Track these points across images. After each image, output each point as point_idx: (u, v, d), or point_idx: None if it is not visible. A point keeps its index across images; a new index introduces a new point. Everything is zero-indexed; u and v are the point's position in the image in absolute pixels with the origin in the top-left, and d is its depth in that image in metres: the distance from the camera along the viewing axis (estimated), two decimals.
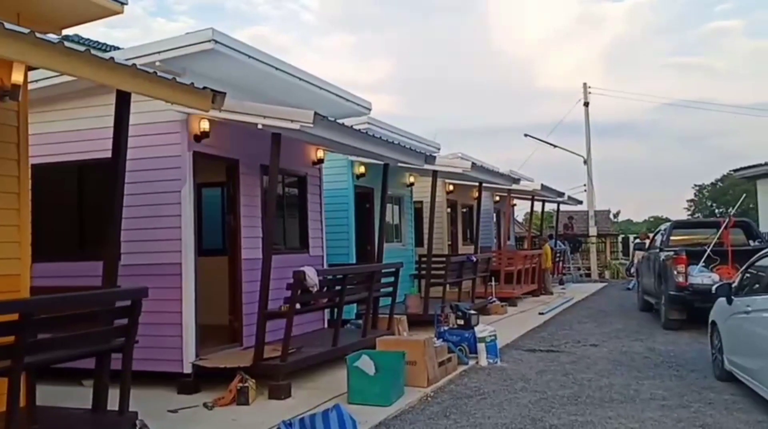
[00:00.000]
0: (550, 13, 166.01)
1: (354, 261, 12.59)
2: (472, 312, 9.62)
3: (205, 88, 5.39)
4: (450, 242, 18.50)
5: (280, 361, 7.37)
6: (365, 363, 7.05)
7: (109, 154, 5.52)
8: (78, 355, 5.12)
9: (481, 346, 9.20)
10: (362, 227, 13.20)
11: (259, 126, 7.10)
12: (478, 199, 15.61)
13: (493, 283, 16.18)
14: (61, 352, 4.89)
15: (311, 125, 6.84)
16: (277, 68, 8.35)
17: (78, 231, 8.46)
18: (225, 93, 5.58)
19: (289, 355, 7.57)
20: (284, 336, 7.37)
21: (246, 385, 7.03)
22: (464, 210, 19.92)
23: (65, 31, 6.27)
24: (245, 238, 8.60)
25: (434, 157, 10.76)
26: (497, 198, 22.03)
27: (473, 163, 12.56)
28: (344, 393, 7.19)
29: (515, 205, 25.69)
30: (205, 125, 7.81)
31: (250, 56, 7.85)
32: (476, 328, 9.41)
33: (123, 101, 5.43)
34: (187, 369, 7.59)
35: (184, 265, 7.67)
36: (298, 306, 7.64)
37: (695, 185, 75.92)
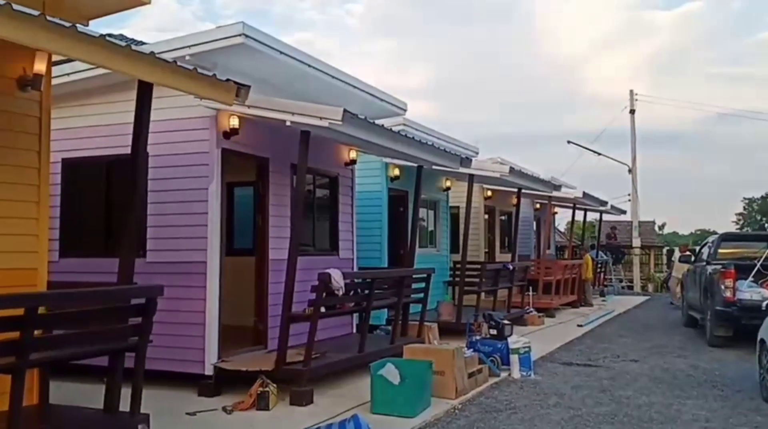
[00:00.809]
0: (596, 19, 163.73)
1: (386, 265, 12.32)
2: (506, 322, 9.27)
3: (228, 80, 5.20)
4: (487, 249, 18.09)
5: (302, 366, 7.13)
6: (390, 372, 6.77)
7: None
8: (89, 354, 4.95)
9: (514, 358, 8.83)
10: (395, 231, 12.90)
11: (288, 123, 6.90)
12: (517, 205, 15.20)
13: (530, 292, 15.73)
14: (72, 350, 4.73)
15: (340, 123, 6.61)
16: (309, 65, 8.16)
17: (105, 227, 8.36)
18: (249, 86, 5.38)
19: (313, 360, 7.33)
20: (308, 340, 7.14)
21: (266, 390, 6.81)
22: (503, 217, 19.48)
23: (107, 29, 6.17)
24: (273, 238, 8.40)
25: (470, 160, 10.44)
26: (537, 205, 21.51)
27: (511, 167, 12.18)
28: (368, 402, 6.91)
29: (556, 213, 25.06)
30: (234, 122, 7.64)
31: (281, 52, 7.67)
32: (510, 339, 9.05)
33: (144, 93, 5.28)
34: (209, 371, 7.41)
35: (209, 264, 7.50)
36: (323, 309, 7.40)
37: (744, 198, 73.71)
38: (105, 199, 8.38)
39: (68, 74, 7.75)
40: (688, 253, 19.68)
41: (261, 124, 7.81)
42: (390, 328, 9.70)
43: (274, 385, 6.96)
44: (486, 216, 18.15)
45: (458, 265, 13.10)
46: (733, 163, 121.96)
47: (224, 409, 6.79)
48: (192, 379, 7.53)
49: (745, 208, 73.90)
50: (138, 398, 5.04)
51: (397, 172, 12.69)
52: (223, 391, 7.44)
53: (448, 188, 15.19)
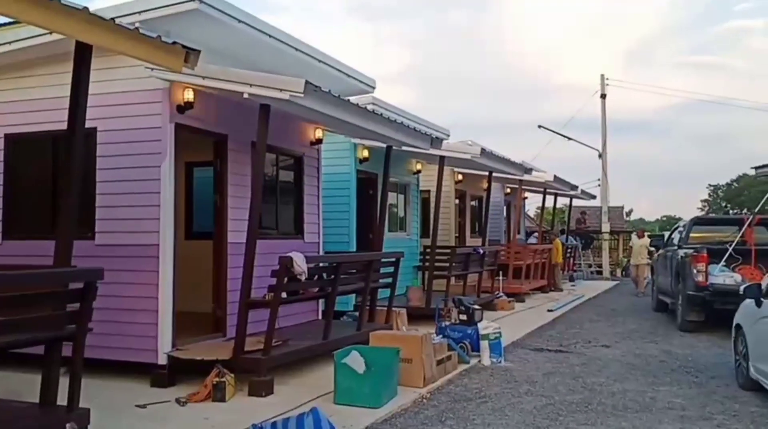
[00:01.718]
0: (569, 9, 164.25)
1: (354, 249, 11.93)
2: (476, 307, 8.96)
3: (175, 43, 4.74)
4: (457, 234, 17.80)
5: (262, 355, 6.72)
6: (354, 360, 6.40)
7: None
8: (20, 343, 4.49)
9: (484, 344, 8.53)
10: (365, 215, 12.52)
11: (245, 95, 6.44)
12: (488, 188, 14.91)
13: (500, 277, 15.48)
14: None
15: (301, 95, 6.18)
16: (270, 36, 7.70)
17: (51, 206, 7.82)
18: (199, 51, 4.93)
19: (273, 349, 6.93)
20: (267, 327, 6.73)
21: (223, 380, 6.39)
22: (473, 202, 19.18)
23: None
24: (232, 220, 7.95)
25: (441, 141, 10.07)
26: (508, 190, 21.28)
27: (483, 148, 11.83)
28: (332, 391, 6.53)
29: (526, 198, 24.89)
30: (189, 95, 7.16)
31: (239, 20, 7.19)
32: (480, 325, 8.75)
33: (82, 58, 4.80)
34: (162, 360, 6.96)
35: (162, 247, 7.04)
36: (284, 295, 6.99)
37: (710, 185, 74.84)
38: (52, 177, 7.84)
39: (9, 43, 7.19)
40: (639, 237, 19.30)
41: (218, 98, 7.34)
42: (357, 314, 9.34)
43: (232, 374, 6.55)
44: (457, 200, 17.82)
45: (428, 250, 12.76)
46: (700, 151, 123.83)
47: (177, 400, 6.36)
48: (146, 370, 7.08)
49: (710, 195, 75.02)
50: (76, 391, 4.61)
51: (366, 153, 12.28)
52: (179, 381, 7.01)
53: (419, 171, 14.83)
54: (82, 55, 4.77)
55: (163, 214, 7.04)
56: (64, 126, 7.52)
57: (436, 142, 9.85)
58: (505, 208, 22.29)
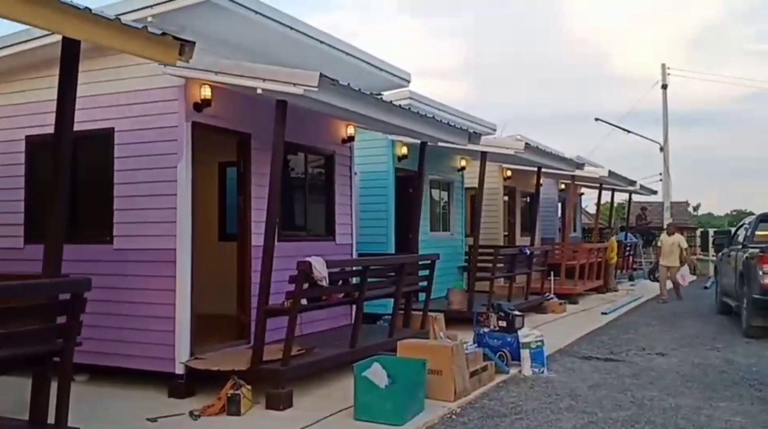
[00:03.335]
0: None
1: (393, 250, 11.48)
2: (516, 313, 8.37)
3: (164, 33, 4.38)
4: (506, 233, 17.14)
5: (280, 366, 6.34)
6: (376, 373, 5.96)
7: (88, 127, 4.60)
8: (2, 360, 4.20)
9: (524, 353, 7.96)
10: (404, 214, 12.05)
11: (258, 91, 6.08)
12: (537, 185, 14.21)
13: (552, 278, 14.77)
14: None
15: (316, 89, 5.76)
16: (291, 28, 7.31)
17: (70, 210, 7.63)
18: (194, 42, 4.57)
19: (294, 359, 6.55)
20: (286, 336, 6.35)
21: (238, 392, 6.04)
22: (524, 198, 18.47)
23: None
24: (255, 222, 7.60)
25: (479, 136, 9.49)
26: (562, 186, 20.45)
27: (527, 143, 11.20)
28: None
29: (582, 193, 23.97)
30: (206, 92, 6.84)
31: (256, 12, 6.82)
32: (520, 332, 8.17)
33: (69, 54, 4.48)
34: (179, 369, 6.67)
35: (179, 251, 6.74)
36: (304, 302, 6.61)
37: None
38: (71, 180, 7.63)
39: (23, 42, 7.02)
40: (668, 234, 16.30)
41: (239, 95, 6.99)
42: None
43: (248, 386, 6.19)
44: (506, 197, 17.17)
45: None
46: None
47: (191, 413, 6.04)
48: (165, 378, 6.82)
49: None
50: (63, 410, 4.31)
51: (405, 150, 11.81)
52: (199, 391, 6.72)
53: (463, 168, 14.25)
54: (70, 51, 4.47)
55: (180, 216, 6.75)
56: (80, 127, 7.39)
57: (474, 137, 9.30)
58: (559, 205, 21.44)
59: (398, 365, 6.19)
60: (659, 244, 17.10)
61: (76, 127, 7.17)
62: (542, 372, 7.92)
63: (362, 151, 11.18)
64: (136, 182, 6.98)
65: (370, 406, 5.86)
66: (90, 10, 3.91)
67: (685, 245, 16.61)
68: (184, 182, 6.75)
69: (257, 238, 7.62)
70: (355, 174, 10.04)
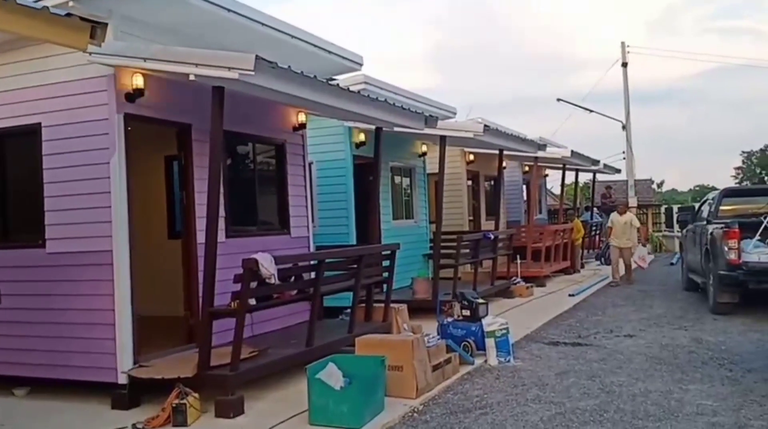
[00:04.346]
0: None
1: (354, 241, 11.12)
2: (480, 301, 8.08)
3: (69, 14, 3.93)
4: (471, 218, 16.88)
5: (229, 371, 5.95)
6: (331, 374, 5.61)
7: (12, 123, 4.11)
8: None
9: (489, 342, 7.68)
10: (364, 203, 11.68)
11: (191, 77, 5.64)
12: (499, 168, 13.93)
13: (518, 261, 14.55)
14: None
15: (252, 73, 5.35)
16: (230, 10, 6.85)
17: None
18: (106, 24, 4.13)
19: (244, 362, 6.16)
20: (234, 339, 5.96)
21: (183, 402, 5.64)
22: (488, 182, 18.22)
23: None
24: (200, 217, 7.14)
25: (436, 119, 9.15)
26: (526, 168, 20.25)
27: (486, 125, 10.90)
28: None
29: (547, 175, 23.86)
30: (138, 81, 6.37)
31: None
32: (485, 320, 7.89)
33: None
34: (122, 379, 6.24)
35: (116, 252, 6.29)
36: (252, 301, 6.21)
37: (743, 152, 72.38)
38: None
39: None
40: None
41: (176, 83, 6.52)
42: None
43: (195, 394, 5.80)
44: (469, 182, 16.89)
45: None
46: (730, 117, 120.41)
47: (134, 426, 5.64)
48: (108, 389, 6.38)
49: (744, 162, 72.70)
50: None
51: (362, 137, 11.42)
52: (145, 401, 6.31)
53: (424, 154, 13.92)
54: None
55: (115, 216, 6.29)
56: (3, 124, 6.88)
57: (431, 120, 8.95)
58: (524, 187, 21.26)
59: (355, 364, 5.86)
60: (610, 224, 16.03)
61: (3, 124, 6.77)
62: (508, 361, 7.65)
63: (318, 139, 10.79)
64: (67, 180, 6.50)
65: (325, 409, 5.51)
66: None
67: (638, 224, 15.73)
68: (119, 178, 6.29)
69: (202, 236, 7.18)
70: (311, 163, 9.65)
